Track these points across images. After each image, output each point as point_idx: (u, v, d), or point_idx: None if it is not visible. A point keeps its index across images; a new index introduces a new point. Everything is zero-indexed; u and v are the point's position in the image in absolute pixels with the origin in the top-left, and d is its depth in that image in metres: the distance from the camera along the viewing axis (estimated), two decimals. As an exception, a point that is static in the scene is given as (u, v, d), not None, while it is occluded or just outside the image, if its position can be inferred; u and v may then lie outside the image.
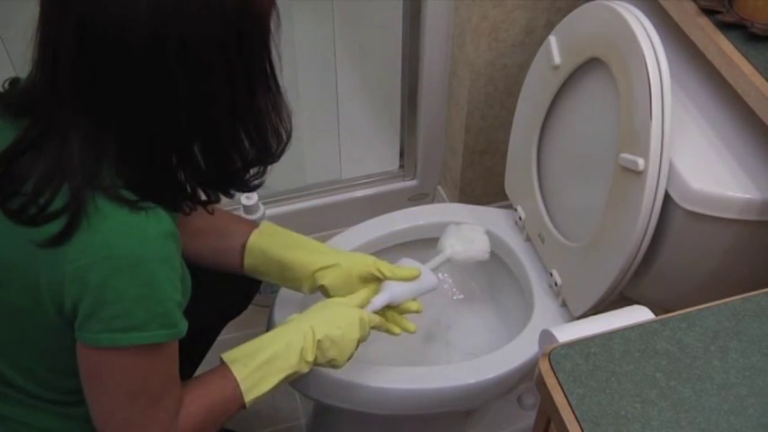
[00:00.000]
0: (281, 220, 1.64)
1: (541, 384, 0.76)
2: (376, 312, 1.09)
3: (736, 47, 1.02)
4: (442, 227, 1.39)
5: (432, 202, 1.82)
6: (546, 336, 0.84)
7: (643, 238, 1.07)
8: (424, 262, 1.18)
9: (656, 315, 0.83)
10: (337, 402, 1.17)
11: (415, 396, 1.18)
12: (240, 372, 0.94)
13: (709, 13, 1.06)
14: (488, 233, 1.37)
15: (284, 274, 1.11)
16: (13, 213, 0.78)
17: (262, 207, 1.55)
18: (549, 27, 1.37)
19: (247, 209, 1.54)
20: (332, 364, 1.03)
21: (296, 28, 1.69)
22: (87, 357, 0.83)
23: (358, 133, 1.85)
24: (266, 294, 1.57)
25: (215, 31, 0.75)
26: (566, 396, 0.73)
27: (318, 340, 0.99)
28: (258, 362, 0.95)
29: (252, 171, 0.89)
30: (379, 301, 1.09)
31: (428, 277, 1.14)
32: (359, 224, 1.38)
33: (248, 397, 0.94)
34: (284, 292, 1.26)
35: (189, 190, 0.85)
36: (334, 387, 1.15)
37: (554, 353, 0.76)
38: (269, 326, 1.23)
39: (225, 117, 0.81)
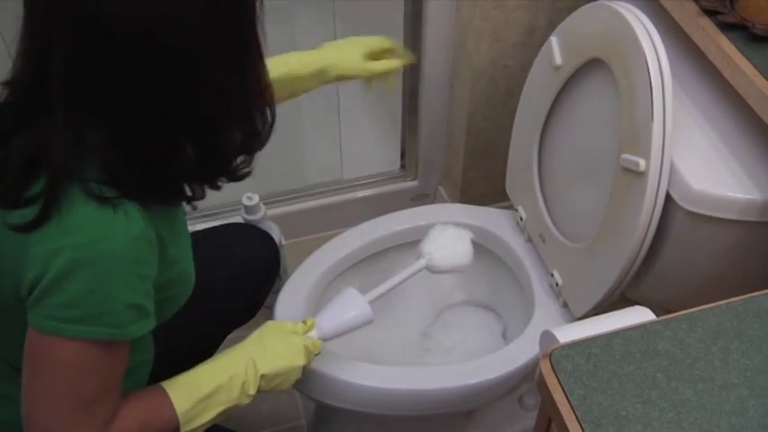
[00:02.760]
0: (282, 221, 1.65)
1: (542, 385, 0.76)
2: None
3: (737, 47, 1.02)
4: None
5: (433, 202, 1.82)
6: (547, 336, 0.84)
7: (644, 239, 1.07)
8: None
9: (658, 316, 0.82)
10: (338, 403, 1.17)
11: (416, 396, 1.18)
12: (181, 405, 0.92)
13: (710, 13, 1.06)
14: (489, 234, 1.37)
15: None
16: None
17: (263, 207, 1.55)
18: (551, 27, 1.37)
19: (248, 209, 1.54)
20: (277, 389, 1.02)
21: (296, 28, 1.69)
22: (31, 340, 0.83)
23: (359, 133, 1.84)
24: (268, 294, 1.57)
25: (199, 18, 0.75)
26: (567, 396, 0.73)
27: (262, 375, 0.97)
28: (200, 395, 0.93)
29: (239, 159, 0.89)
30: (312, 336, 1.05)
31: (364, 312, 1.09)
32: (360, 225, 1.38)
33: (185, 428, 0.93)
34: (285, 293, 1.26)
35: (175, 185, 0.85)
36: (335, 387, 1.15)
37: (555, 353, 0.76)
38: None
39: (213, 103, 0.81)
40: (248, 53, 0.82)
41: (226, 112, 0.83)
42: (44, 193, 0.78)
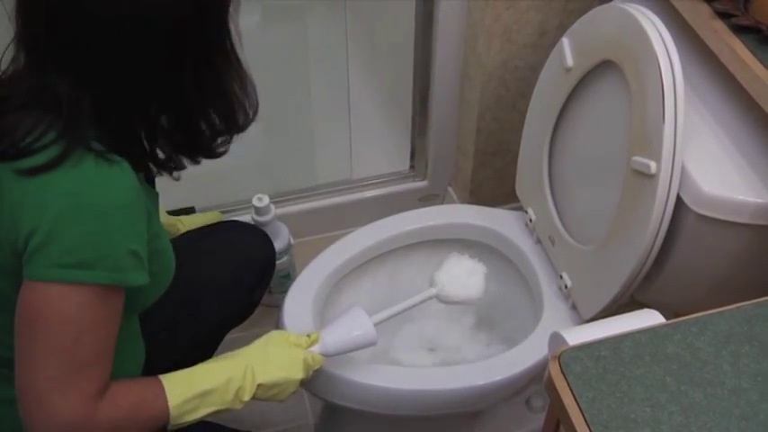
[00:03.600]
0: (292, 220, 1.65)
1: (551, 387, 0.76)
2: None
3: (750, 50, 1.01)
4: (452, 228, 1.40)
5: (442, 202, 1.82)
6: (556, 338, 0.84)
7: (654, 242, 1.07)
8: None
9: (667, 319, 0.82)
10: (346, 402, 1.17)
11: (424, 397, 1.18)
12: (174, 398, 0.93)
13: (723, 16, 1.06)
14: (498, 235, 1.37)
15: None
16: None
17: (273, 209, 1.55)
18: (562, 29, 1.36)
19: (259, 210, 1.54)
20: (273, 399, 1.02)
21: (309, 28, 1.70)
22: (29, 297, 0.83)
23: (369, 133, 1.85)
24: (277, 294, 1.57)
25: (175, 6, 0.80)
26: (575, 399, 0.73)
27: (260, 384, 0.98)
28: (194, 393, 0.94)
29: (219, 139, 0.93)
30: (314, 351, 1.06)
31: (368, 333, 1.09)
32: (369, 224, 1.38)
33: (174, 422, 0.93)
34: (294, 292, 1.26)
35: (156, 154, 0.90)
36: (343, 387, 1.15)
37: (564, 355, 0.76)
38: (278, 328, 1.23)
39: (190, 87, 0.85)
40: (222, 48, 0.87)
41: (203, 97, 0.87)
42: (57, 140, 0.82)
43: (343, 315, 1.10)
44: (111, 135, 0.85)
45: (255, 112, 0.93)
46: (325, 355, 1.07)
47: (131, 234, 0.85)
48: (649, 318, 0.83)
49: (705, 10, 1.08)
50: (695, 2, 1.09)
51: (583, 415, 0.72)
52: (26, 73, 0.85)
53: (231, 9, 0.86)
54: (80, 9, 0.78)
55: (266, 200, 1.53)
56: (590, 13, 1.18)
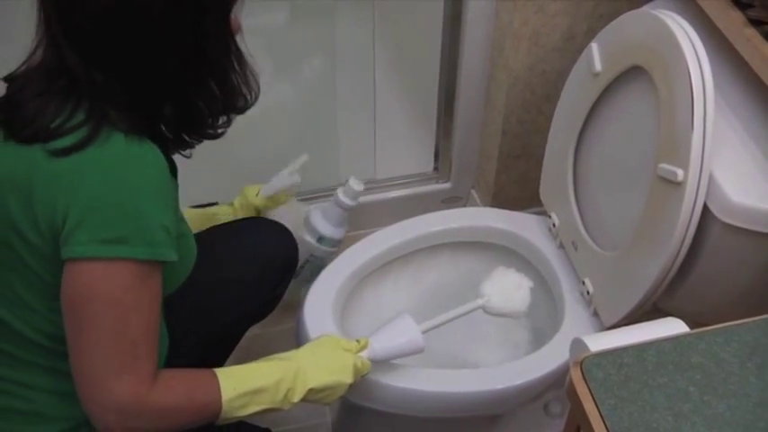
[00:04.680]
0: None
1: (572, 393, 0.75)
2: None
3: (782, 59, 1.00)
4: (475, 231, 1.39)
5: (465, 205, 1.82)
6: (578, 344, 0.84)
7: (679, 250, 1.06)
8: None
9: (690, 328, 0.81)
10: (365, 402, 1.17)
11: (443, 399, 1.18)
12: (228, 393, 0.94)
13: (756, 23, 1.05)
14: (521, 239, 1.37)
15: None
16: (29, 137, 0.87)
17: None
18: (590, 34, 1.36)
19: (351, 193, 1.46)
20: (320, 402, 1.04)
21: (336, 27, 1.70)
22: (72, 277, 0.85)
23: (394, 134, 1.85)
24: (302, 281, 1.50)
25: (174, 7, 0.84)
26: (597, 406, 0.73)
27: (311, 388, 1.00)
28: (247, 389, 0.95)
29: (220, 119, 0.96)
30: (363, 356, 1.08)
31: (417, 340, 1.10)
32: (392, 225, 1.38)
33: (225, 415, 0.94)
34: (314, 291, 1.27)
35: (164, 134, 0.93)
36: (362, 386, 1.15)
37: (586, 362, 0.76)
38: (298, 328, 1.23)
39: (190, 69, 0.89)
40: (221, 35, 0.89)
41: (201, 78, 0.91)
42: (87, 121, 0.85)
43: (391, 321, 1.12)
44: (127, 116, 0.87)
45: (255, 96, 0.96)
46: (373, 361, 1.08)
47: (163, 209, 0.87)
48: (673, 326, 0.83)
49: (738, 17, 1.07)
50: (728, 9, 1.08)
51: (604, 422, 0.71)
52: (41, 63, 0.88)
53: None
54: (90, 13, 0.82)
55: (362, 186, 1.46)
56: (620, 18, 1.17)
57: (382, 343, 1.09)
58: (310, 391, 1.00)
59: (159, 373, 0.90)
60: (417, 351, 1.11)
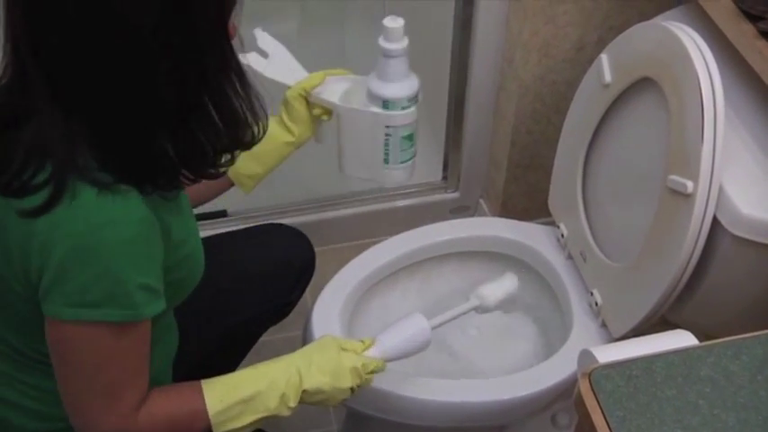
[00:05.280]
0: (323, 227, 1.65)
1: (580, 404, 0.75)
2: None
3: (793, 72, 1.00)
4: (483, 241, 1.39)
5: (473, 215, 1.82)
6: (586, 356, 0.83)
7: (688, 262, 1.05)
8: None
9: (699, 340, 0.81)
10: (371, 411, 1.17)
11: (449, 409, 1.17)
12: (214, 405, 0.92)
13: (767, 36, 1.05)
14: (529, 249, 1.37)
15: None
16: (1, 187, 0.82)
17: (406, 38, 1.18)
18: (601, 45, 1.36)
19: (389, 33, 1.16)
20: (322, 405, 1.01)
21: (346, 35, 1.70)
22: (51, 330, 0.85)
23: (402, 143, 1.84)
24: (393, 166, 1.22)
25: (159, 13, 0.75)
26: (605, 418, 0.72)
27: (304, 390, 0.96)
28: (236, 399, 0.92)
29: (222, 157, 0.88)
30: (370, 354, 1.03)
31: (426, 336, 1.07)
32: (399, 234, 1.38)
33: (219, 429, 0.93)
34: (322, 300, 1.26)
35: (158, 173, 0.84)
36: (368, 395, 1.15)
37: (594, 373, 0.75)
38: (306, 336, 1.23)
39: (178, 102, 0.80)
40: (219, 58, 0.81)
41: (197, 111, 0.82)
42: (50, 180, 0.79)
43: (402, 320, 1.08)
44: (110, 158, 0.81)
45: (264, 129, 0.89)
46: (384, 358, 1.03)
47: (142, 268, 0.83)
48: (682, 339, 0.82)
49: (749, 29, 1.06)
50: (739, 21, 1.08)
51: (612, 434, 0.71)
52: (8, 91, 0.81)
53: (234, 7, 0.81)
54: (60, 23, 0.75)
55: (400, 21, 1.15)
56: (630, 29, 1.17)
57: (390, 339, 1.04)
58: (305, 392, 0.96)
59: (147, 397, 0.89)
60: (425, 342, 1.07)
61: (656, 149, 1.10)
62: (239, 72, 0.83)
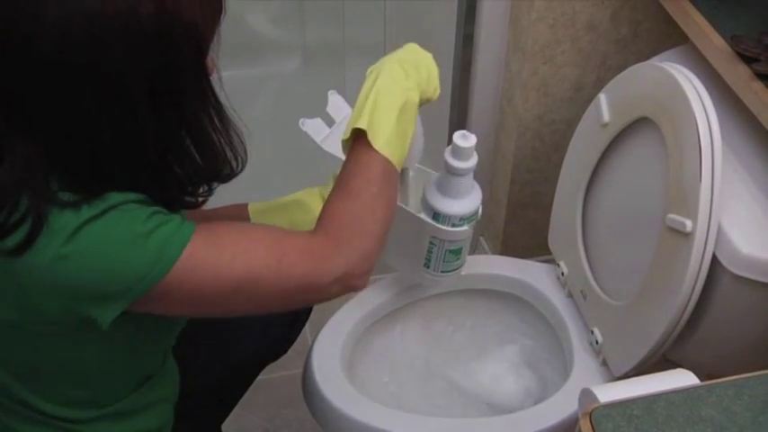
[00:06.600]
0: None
1: (581, 445, 0.75)
2: None
3: (790, 112, 1.01)
4: (483, 278, 1.39)
5: (473, 253, 1.81)
6: (587, 394, 0.83)
7: (688, 301, 1.05)
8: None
9: (700, 379, 0.81)
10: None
11: (450, 448, 1.16)
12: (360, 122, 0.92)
13: (763, 77, 1.06)
14: (529, 287, 1.37)
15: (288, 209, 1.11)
16: None
17: (476, 155, 1.16)
18: (599, 84, 1.37)
19: (459, 152, 1.13)
20: (432, 87, 1.04)
21: (348, 73, 1.72)
22: (166, 303, 0.81)
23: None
24: (433, 275, 1.24)
25: (132, 52, 0.73)
26: (606, 458, 0.72)
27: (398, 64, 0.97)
28: (368, 108, 0.93)
29: (203, 188, 0.86)
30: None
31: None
32: (397, 272, 1.38)
33: (377, 141, 0.92)
34: (323, 337, 1.26)
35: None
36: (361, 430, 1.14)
37: (595, 413, 0.75)
38: (306, 375, 1.23)
39: (150, 139, 0.78)
40: (196, 94, 0.79)
41: (170, 147, 0.80)
42: (27, 214, 0.76)
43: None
44: (86, 189, 0.78)
45: (243, 163, 0.86)
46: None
47: (138, 218, 0.79)
48: (683, 378, 0.82)
49: (744, 71, 1.08)
50: (734, 63, 1.10)
51: (614, 475, 0.71)
52: None
53: (212, 43, 0.79)
54: (26, 56, 0.72)
55: (473, 139, 1.11)
56: (628, 70, 1.19)
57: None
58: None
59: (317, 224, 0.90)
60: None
61: (655, 188, 1.11)
62: (218, 107, 0.81)
